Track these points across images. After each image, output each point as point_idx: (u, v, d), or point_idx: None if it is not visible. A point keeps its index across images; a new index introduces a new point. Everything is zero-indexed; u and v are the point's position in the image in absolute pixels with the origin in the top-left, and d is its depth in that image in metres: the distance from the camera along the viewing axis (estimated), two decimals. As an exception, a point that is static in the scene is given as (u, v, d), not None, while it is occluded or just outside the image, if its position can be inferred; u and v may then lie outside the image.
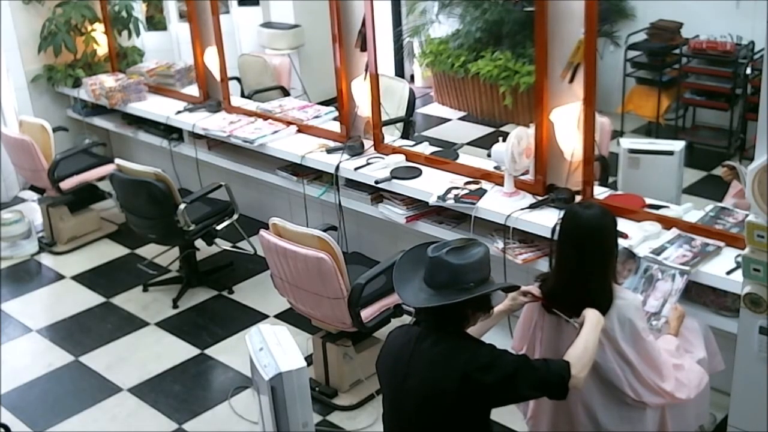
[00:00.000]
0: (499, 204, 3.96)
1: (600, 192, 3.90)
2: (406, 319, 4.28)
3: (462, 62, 6.79)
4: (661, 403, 2.93)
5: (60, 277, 5.33)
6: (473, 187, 4.14)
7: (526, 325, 3.05)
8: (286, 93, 5.98)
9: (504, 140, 3.93)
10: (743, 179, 3.59)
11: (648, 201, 3.82)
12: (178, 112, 5.59)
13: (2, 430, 3.82)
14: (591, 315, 2.74)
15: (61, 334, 4.69)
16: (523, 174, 4.04)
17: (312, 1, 5.55)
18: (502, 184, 4.04)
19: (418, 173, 4.36)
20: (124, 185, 4.78)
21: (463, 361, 2.55)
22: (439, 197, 4.10)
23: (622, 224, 3.40)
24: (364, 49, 4.57)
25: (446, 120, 7.01)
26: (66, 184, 5.48)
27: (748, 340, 2.88)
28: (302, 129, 5.06)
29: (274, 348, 3.11)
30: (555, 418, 3.00)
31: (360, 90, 4.69)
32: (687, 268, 3.30)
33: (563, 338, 2.90)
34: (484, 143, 5.86)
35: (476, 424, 2.67)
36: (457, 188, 4.14)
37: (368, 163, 4.53)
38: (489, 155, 4.16)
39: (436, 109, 7.21)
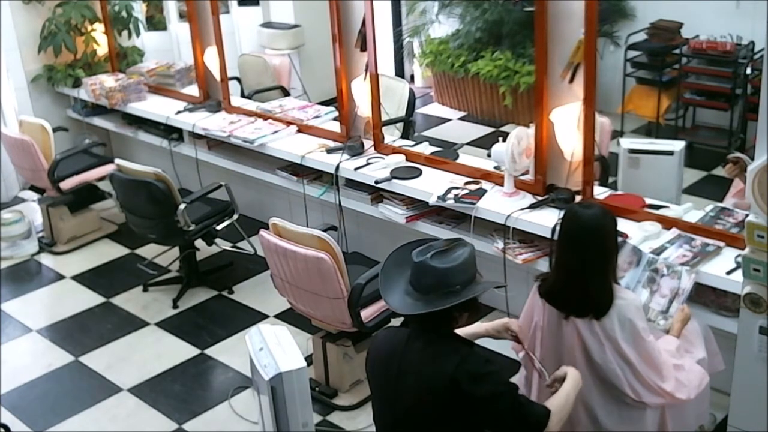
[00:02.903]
0: (499, 204, 3.96)
1: (600, 192, 3.90)
2: (406, 319, 4.29)
3: (462, 62, 6.79)
4: (661, 403, 2.93)
5: (60, 277, 5.33)
6: (473, 187, 4.14)
7: (527, 326, 3.05)
8: (286, 93, 5.98)
9: (504, 140, 3.93)
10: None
11: (648, 201, 3.82)
12: (178, 112, 5.59)
13: (2, 430, 3.82)
14: (572, 372, 2.73)
15: (61, 334, 4.69)
16: (523, 174, 4.04)
17: (312, 1, 5.55)
18: (502, 184, 4.04)
19: (418, 173, 4.36)
20: (124, 185, 4.78)
21: (454, 365, 2.52)
22: (439, 197, 4.10)
23: (622, 224, 3.40)
24: (364, 49, 4.57)
25: (446, 120, 7.01)
26: (66, 184, 5.48)
27: (748, 340, 2.88)
28: (302, 129, 5.06)
29: (274, 348, 3.11)
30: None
31: (360, 90, 4.69)
32: (689, 267, 3.30)
33: (563, 339, 2.91)
34: (484, 143, 5.86)
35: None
36: (457, 188, 4.14)
37: (368, 163, 4.53)
38: (489, 155, 4.16)
39: (436, 109, 7.21)
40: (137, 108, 5.89)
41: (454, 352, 2.57)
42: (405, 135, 5.07)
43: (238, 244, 5.36)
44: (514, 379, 2.86)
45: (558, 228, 3.01)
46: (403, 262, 2.69)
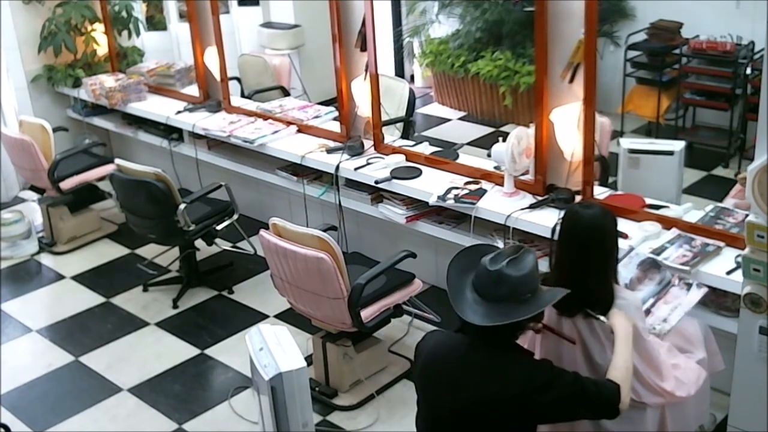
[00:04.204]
0: (499, 204, 3.96)
1: (600, 192, 3.90)
2: (407, 319, 4.30)
3: (462, 62, 6.79)
4: (661, 402, 2.93)
5: (60, 277, 5.32)
6: (473, 187, 4.14)
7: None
8: (286, 93, 5.98)
9: (504, 140, 3.93)
10: None
11: (648, 201, 3.82)
12: (178, 112, 5.59)
13: (2, 430, 3.82)
14: (620, 328, 2.71)
15: (61, 334, 4.69)
16: (523, 174, 4.04)
17: (312, 1, 5.55)
18: (502, 184, 4.04)
19: (418, 173, 4.36)
20: (124, 185, 4.77)
21: (522, 379, 2.53)
22: (439, 197, 4.10)
23: (622, 224, 3.40)
24: (364, 49, 4.57)
25: (446, 120, 7.01)
26: (66, 184, 5.48)
27: (748, 340, 2.88)
28: (302, 129, 5.06)
29: (274, 348, 3.12)
30: (555, 418, 3.00)
31: (360, 90, 4.69)
32: (687, 268, 3.31)
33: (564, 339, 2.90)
34: (484, 143, 5.86)
35: None
36: (457, 188, 4.14)
37: (368, 163, 4.53)
38: (489, 155, 4.16)
39: (436, 109, 7.21)
40: (137, 108, 5.89)
41: (520, 366, 2.58)
42: (405, 135, 5.07)
43: (238, 244, 5.36)
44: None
45: (558, 228, 3.01)
46: (463, 271, 2.66)
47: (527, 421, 2.60)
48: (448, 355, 2.67)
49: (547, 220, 3.77)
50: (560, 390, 2.54)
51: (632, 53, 6.03)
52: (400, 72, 7.12)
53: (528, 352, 2.71)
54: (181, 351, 4.46)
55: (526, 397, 2.52)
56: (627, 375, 2.65)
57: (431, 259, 4.54)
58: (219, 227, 4.88)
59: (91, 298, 5.02)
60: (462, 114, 7.04)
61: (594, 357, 2.85)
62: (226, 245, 5.33)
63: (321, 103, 5.37)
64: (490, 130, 6.62)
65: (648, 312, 3.20)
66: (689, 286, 3.27)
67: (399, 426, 3.76)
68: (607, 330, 2.81)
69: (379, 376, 4.05)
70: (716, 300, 3.37)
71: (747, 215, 2.82)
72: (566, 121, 3.84)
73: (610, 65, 6.02)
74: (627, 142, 4.20)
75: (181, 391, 4.16)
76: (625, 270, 3.31)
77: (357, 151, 4.63)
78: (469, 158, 4.46)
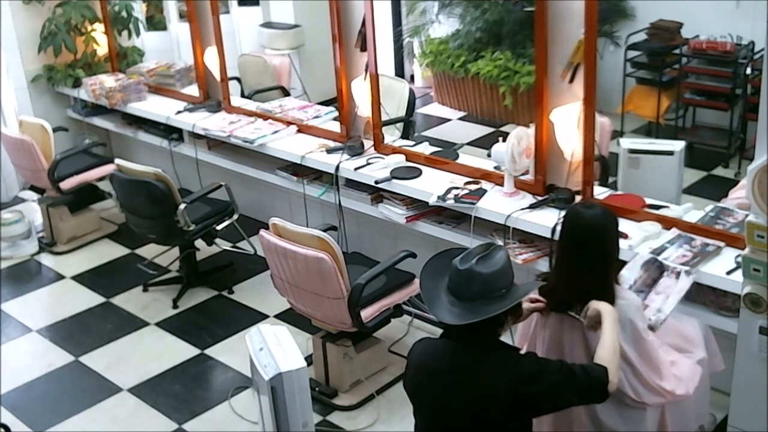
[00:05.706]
0: (499, 204, 3.96)
1: (600, 192, 3.90)
2: (407, 319, 4.29)
3: (462, 62, 6.79)
4: (661, 402, 2.93)
5: (60, 277, 5.32)
6: (473, 187, 4.14)
7: (527, 323, 3.05)
8: (286, 93, 5.98)
9: (504, 140, 3.93)
10: None
11: (648, 201, 3.82)
12: (178, 112, 5.59)
13: (2, 430, 3.82)
14: (606, 309, 2.72)
15: (61, 334, 4.69)
16: (523, 174, 4.04)
17: (312, 1, 5.55)
18: (502, 184, 4.04)
19: (418, 173, 4.36)
20: (124, 185, 4.78)
21: (509, 374, 2.54)
22: (439, 197, 4.10)
23: (623, 224, 3.39)
24: (364, 49, 4.57)
25: (446, 120, 7.01)
26: (66, 184, 5.48)
27: (748, 340, 2.88)
28: (302, 129, 5.06)
29: (274, 348, 3.12)
30: (556, 418, 3.00)
31: (360, 90, 4.69)
32: (688, 267, 3.30)
33: (564, 338, 2.91)
34: (484, 143, 5.86)
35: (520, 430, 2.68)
36: (457, 188, 4.14)
37: (368, 163, 4.53)
38: (489, 155, 4.16)
39: (436, 109, 7.21)
40: (137, 108, 5.89)
41: (506, 361, 2.59)
42: (405, 135, 5.07)
43: (238, 244, 5.36)
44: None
45: (559, 228, 3.01)
46: (437, 276, 2.68)
47: (521, 414, 2.62)
48: (434, 361, 2.67)
49: (547, 220, 3.77)
50: (548, 378, 2.55)
51: (632, 53, 6.03)
52: (400, 72, 7.12)
53: (514, 347, 2.72)
54: (181, 351, 4.46)
55: (516, 391, 2.53)
56: (615, 355, 2.65)
57: (431, 259, 4.53)
58: (219, 227, 4.88)
59: (91, 298, 5.03)
60: (462, 114, 7.04)
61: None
62: (226, 245, 5.33)
63: (321, 103, 5.37)
64: (490, 130, 6.62)
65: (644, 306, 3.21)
66: (678, 275, 3.27)
67: (399, 426, 3.76)
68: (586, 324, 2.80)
69: (379, 376, 4.05)
70: (716, 300, 3.37)
71: (747, 215, 2.82)
72: (566, 121, 3.84)
73: (610, 65, 6.02)
74: (627, 142, 4.20)
75: (181, 391, 4.16)
76: (629, 272, 3.31)
77: (357, 151, 4.63)
78: (469, 158, 4.46)
